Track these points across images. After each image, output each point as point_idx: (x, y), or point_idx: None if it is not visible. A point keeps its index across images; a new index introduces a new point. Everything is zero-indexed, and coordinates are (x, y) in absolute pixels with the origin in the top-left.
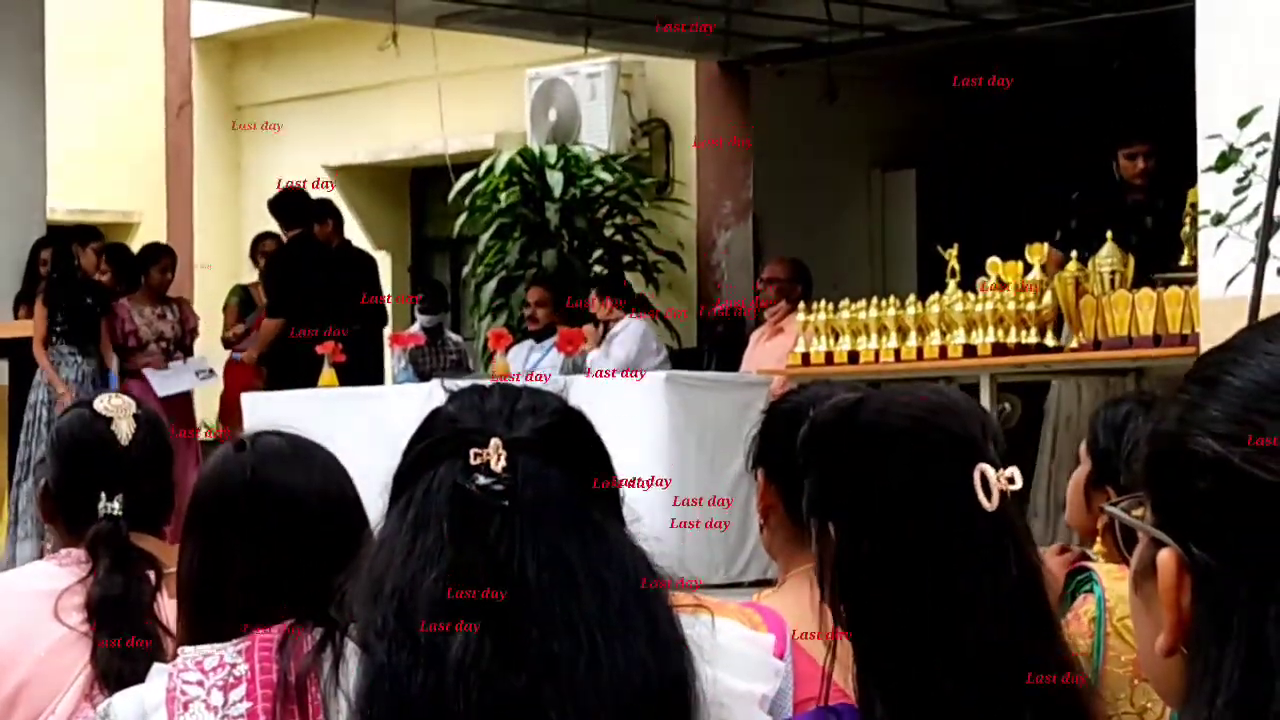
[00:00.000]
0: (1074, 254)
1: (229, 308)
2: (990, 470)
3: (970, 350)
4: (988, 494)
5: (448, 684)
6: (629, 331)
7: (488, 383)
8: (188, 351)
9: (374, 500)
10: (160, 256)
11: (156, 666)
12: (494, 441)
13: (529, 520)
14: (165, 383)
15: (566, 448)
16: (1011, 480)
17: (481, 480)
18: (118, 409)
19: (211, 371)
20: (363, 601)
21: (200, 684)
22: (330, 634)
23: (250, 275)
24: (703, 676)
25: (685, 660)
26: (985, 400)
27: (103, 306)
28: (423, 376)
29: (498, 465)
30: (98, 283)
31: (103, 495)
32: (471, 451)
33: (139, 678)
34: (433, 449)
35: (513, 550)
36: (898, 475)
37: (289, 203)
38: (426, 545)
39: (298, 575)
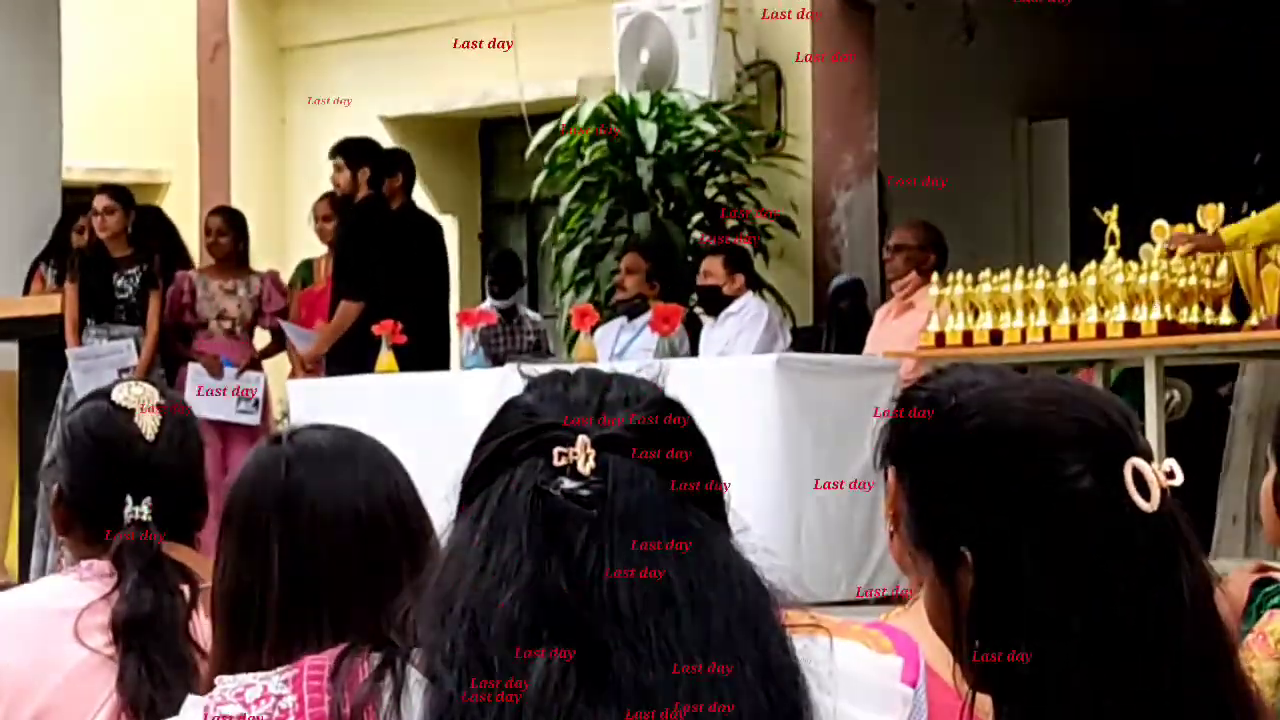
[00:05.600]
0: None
1: (295, 290)
2: (1144, 464)
3: (1133, 329)
4: (1144, 493)
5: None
6: (750, 314)
7: (572, 368)
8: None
9: (440, 504)
10: (207, 220)
11: (191, 699)
12: (581, 439)
13: (621, 531)
14: (199, 400)
15: (664, 446)
16: (1171, 474)
17: (567, 484)
18: (139, 399)
19: (257, 404)
20: (429, 623)
21: (241, 719)
22: (390, 660)
23: (298, 249)
24: (820, 708)
25: (800, 692)
26: (1150, 387)
27: (149, 280)
28: (495, 360)
29: (585, 467)
30: (150, 251)
31: (129, 499)
32: (555, 450)
33: (172, 707)
34: (509, 446)
35: (602, 566)
36: (1029, 482)
37: (374, 148)
38: (502, 559)
39: (347, 590)
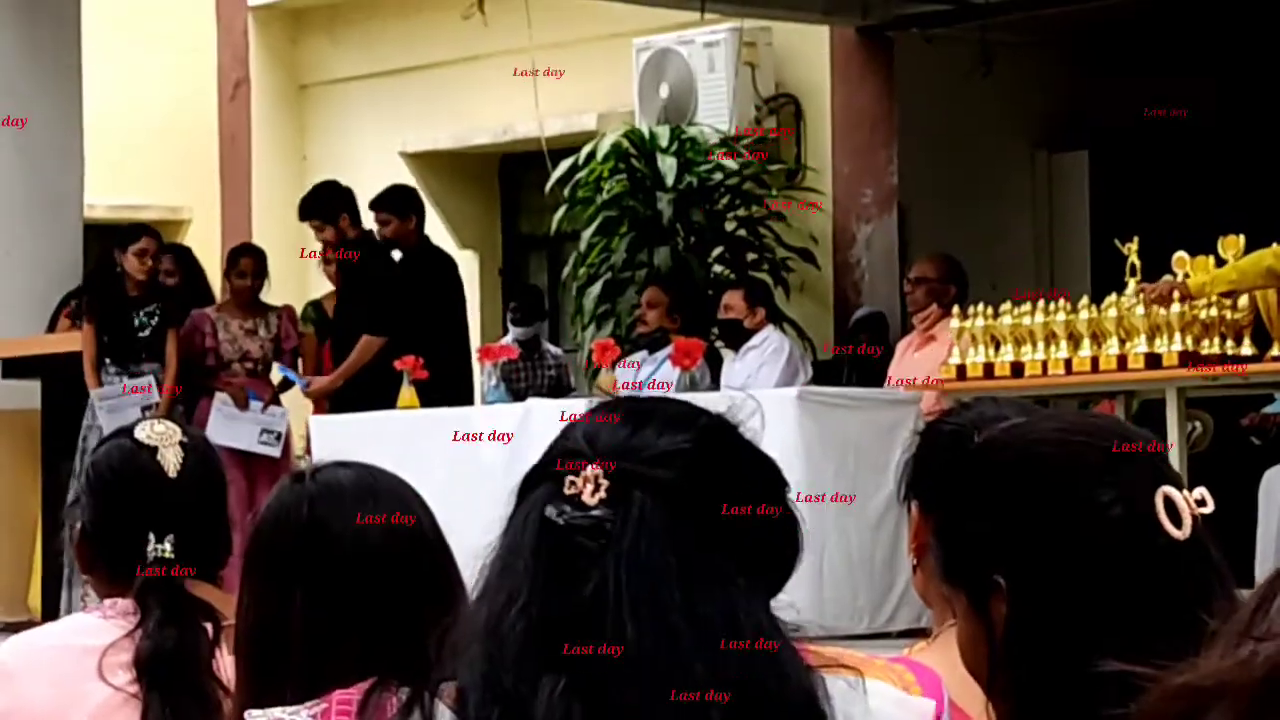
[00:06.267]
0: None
1: (306, 333)
2: (1176, 493)
3: (1154, 360)
4: (1176, 521)
5: None
6: (771, 347)
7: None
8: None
9: (462, 538)
10: (237, 259)
11: None
12: (590, 469)
13: (628, 568)
14: (222, 429)
15: (698, 482)
16: (1203, 502)
17: (570, 514)
18: (162, 436)
19: (279, 437)
20: (461, 641)
21: None
22: (419, 694)
23: (318, 287)
24: None
25: None
26: (1172, 418)
27: (167, 317)
28: (517, 396)
29: (592, 498)
30: (165, 288)
31: (151, 537)
32: (567, 479)
33: None
34: (535, 471)
35: (604, 599)
36: (1061, 511)
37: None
38: (514, 580)
39: (370, 627)
